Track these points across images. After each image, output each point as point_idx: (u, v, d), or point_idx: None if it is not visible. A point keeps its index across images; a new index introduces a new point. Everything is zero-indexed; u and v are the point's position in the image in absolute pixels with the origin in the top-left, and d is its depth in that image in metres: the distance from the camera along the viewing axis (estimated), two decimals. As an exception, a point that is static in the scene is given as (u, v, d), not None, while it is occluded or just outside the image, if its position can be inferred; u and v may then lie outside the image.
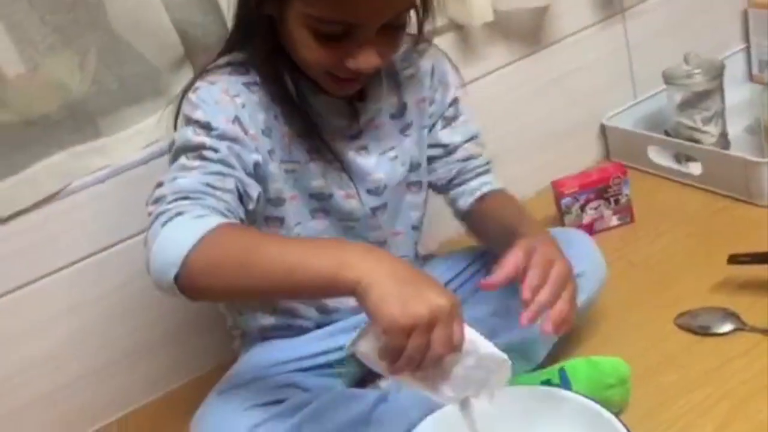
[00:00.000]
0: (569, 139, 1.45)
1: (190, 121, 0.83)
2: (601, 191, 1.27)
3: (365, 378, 1.00)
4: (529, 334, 0.94)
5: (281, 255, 0.71)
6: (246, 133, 0.84)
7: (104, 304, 1.15)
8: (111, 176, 1.10)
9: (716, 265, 1.08)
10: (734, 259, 1.06)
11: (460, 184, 1.02)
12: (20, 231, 1.06)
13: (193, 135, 0.82)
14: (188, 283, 0.72)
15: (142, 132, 1.10)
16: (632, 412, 0.93)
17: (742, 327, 1.01)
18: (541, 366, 0.97)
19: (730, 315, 1.03)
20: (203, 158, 0.81)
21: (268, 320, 0.97)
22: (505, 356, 0.74)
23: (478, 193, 1.01)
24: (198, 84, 0.85)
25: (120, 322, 1.16)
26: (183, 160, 0.81)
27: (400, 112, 0.98)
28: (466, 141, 1.02)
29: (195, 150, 0.81)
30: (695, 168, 1.34)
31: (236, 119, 0.83)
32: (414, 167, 1.00)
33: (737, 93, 1.43)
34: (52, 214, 1.08)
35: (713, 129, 1.35)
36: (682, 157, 1.38)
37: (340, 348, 0.97)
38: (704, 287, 1.10)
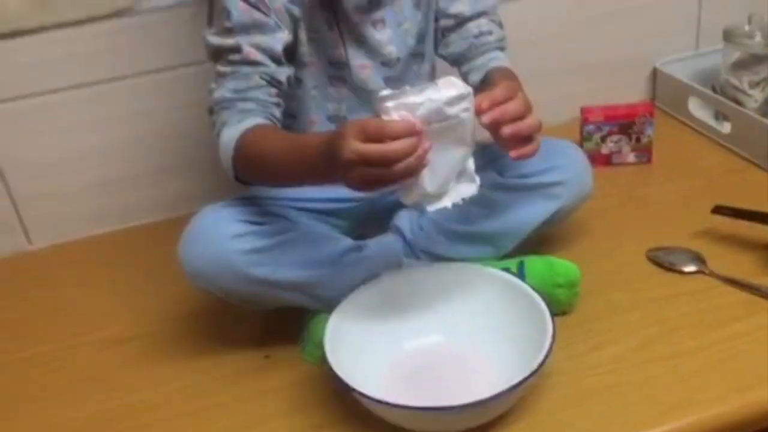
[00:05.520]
0: (619, 74, 1.48)
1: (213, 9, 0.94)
2: (625, 126, 1.32)
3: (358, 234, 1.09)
4: (502, 227, 1.04)
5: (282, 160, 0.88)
6: (269, 9, 0.92)
7: (157, 118, 1.29)
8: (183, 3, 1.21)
9: (706, 216, 1.13)
10: (718, 210, 1.11)
11: (471, 59, 1.07)
12: (94, 34, 1.20)
13: (212, 37, 0.94)
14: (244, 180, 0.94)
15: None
16: (572, 316, 1.02)
17: (703, 271, 1.07)
18: (506, 257, 1.06)
19: (698, 258, 1.09)
20: (230, 63, 0.93)
21: None
22: (477, 180, 0.87)
23: (485, 69, 1.04)
24: None
25: (166, 138, 1.31)
26: (217, 66, 0.94)
27: None
28: (478, 14, 1.06)
29: (220, 55, 0.93)
30: (726, 127, 1.37)
31: None
32: (420, 39, 1.06)
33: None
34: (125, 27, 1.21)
35: (758, 94, 1.36)
36: (720, 115, 1.40)
37: (344, 200, 1.06)
38: (687, 231, 1.15)
